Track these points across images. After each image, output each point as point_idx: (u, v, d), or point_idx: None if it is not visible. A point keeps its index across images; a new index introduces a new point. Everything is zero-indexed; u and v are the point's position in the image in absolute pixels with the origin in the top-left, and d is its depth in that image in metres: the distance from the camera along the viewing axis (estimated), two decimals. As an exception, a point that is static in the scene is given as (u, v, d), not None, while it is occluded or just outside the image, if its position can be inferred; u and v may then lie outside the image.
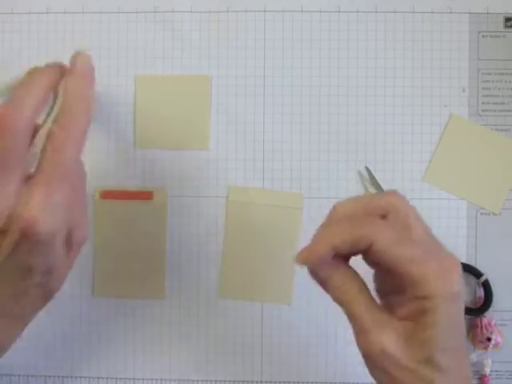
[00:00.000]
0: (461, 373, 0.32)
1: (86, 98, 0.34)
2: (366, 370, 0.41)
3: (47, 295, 0.37)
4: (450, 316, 0.31)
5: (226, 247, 0.46)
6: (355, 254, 0.32)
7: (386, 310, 0.32)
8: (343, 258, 0.33)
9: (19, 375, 0.47)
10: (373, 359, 0.32)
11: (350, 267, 0.33)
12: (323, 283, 0.33)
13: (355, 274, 0.33)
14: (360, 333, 0.32)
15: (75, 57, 0.35)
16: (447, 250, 0.33)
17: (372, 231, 0.31)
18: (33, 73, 0.34)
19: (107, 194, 0.46)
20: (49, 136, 0.33)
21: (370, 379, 0.46)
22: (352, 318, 0.32)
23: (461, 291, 0.31)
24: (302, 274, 0.46)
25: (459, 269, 0.31)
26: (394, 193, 0.34)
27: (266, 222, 0.46)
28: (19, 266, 0.34)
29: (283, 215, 0.46)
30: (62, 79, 0.34)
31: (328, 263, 0.32)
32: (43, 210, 0.32)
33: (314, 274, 0.33)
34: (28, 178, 0.33)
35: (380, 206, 0.33)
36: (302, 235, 0.46)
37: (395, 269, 0.31)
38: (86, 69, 0.35)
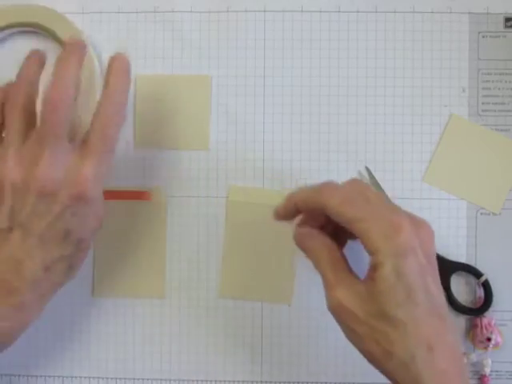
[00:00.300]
0: (420, 330, 0.33)
1: (126, 83, 0.39)
2: (366, 370, 0.41)
3: (69, 272, 0.39)
4: (399, 271, 0.33)
5: (226, 247, 0.46)
6: (319, 216, 0.38)
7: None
8: (324, 230, 0.38)
9: (19, 375, 0.47)
10: (334, 313, 0.35)
11: (325, 236, 0.37)
12: (305, 250, 0.38)
13: (330, 242, 0.37)
14: (325, 289, 0.36)
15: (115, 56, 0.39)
16: (401, 211, 0.36)
17: (324, 192, 0.36)
18: (67, 51, 0.38)
19: (107, 194, 0.46)
20: (96, 114, 0.38)
21: (370, 379, 0.46)
22: (321, 275, 0.36)
23: (412, 247, 0.33)
24: (303, 274, 0.46)
25: (407, 225, 0.34)
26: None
27: (266, 222, 0.46)
28: (59, 230, 0.37)
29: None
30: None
31: (309, 235, 0.38)
32: (94, 178, 0.37)
33: (300, 243, 0.38)
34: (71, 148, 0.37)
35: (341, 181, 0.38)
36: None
37: (349, 228, 0.35)
38: (124, 61, 0.39)
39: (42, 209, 0.36)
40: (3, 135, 0.38)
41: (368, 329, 0.34)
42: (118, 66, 0.38)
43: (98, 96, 0.45)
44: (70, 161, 0.37)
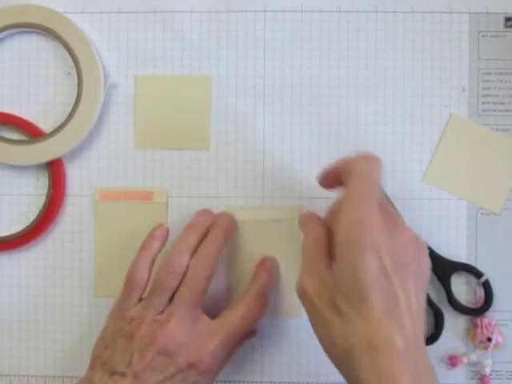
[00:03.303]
0: (364, 327, 0.33)
1: (218, 252, 0.43)
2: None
3: None
4: (350, 266, 0.33)
5: (229, 267, 0.46)
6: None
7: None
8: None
9: (19, 375, 0.47)
10: (299, 298, 0.37)
11: (321, 224, 0.39)
12: (303, 232, 0.40)
13: (321, 230, 0.38)
14: (299, 274, 0.37)
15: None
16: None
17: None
18: (218, 225, 0.44)
19: (107, 195, 0.46)
20: (184, 279, 0.41)
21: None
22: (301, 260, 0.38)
23: (376, 247, 0.33)
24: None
25: (369, 220, 0.34)
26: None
27: (267, 238, 0.46)
28: None
29: (282, 229, 0.46)
30: None
31: (308, 218, 0.40)
32: (215, 354, 0.40)
33: (299, 225, 0.41)
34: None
35: None
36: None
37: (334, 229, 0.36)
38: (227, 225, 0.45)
39: (158, 365, 0.38)
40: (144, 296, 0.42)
41: (320, 316, 0.35)
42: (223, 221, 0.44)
43: (100, 96, 0.45)
44: (198, 330, 0.40)
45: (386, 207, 0.39)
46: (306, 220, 0.40)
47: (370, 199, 0.35)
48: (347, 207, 0.35)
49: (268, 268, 0.45)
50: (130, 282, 0.42)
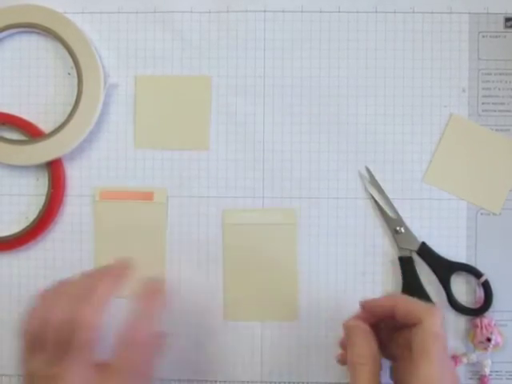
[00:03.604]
0: None
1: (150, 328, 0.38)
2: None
3: None
4: None
5: (227, 271, 0.46)
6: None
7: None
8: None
9: (19, 375, 0.47)
10: None
11: (374, 340, 0.38)
12: (350, 342, 0.38)
13: (376, 349, 0.37)
14: None
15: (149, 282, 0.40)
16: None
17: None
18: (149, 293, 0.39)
19: (107, 195, 0.46)
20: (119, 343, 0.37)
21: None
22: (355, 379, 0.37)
23: None
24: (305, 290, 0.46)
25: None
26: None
27: (264, 241, 0.46)
28: None
29: (279, 232, 0.46)
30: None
31: (361, 330, 0.38)
32: None
33: (348, 332, 0.39)
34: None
35: None
36: (299, 250, 0.46)
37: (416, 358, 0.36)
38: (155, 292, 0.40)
39: None
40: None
41: None
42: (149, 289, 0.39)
43: (100, 96, 0.45)
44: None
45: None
46: (357, 330, 0.39)
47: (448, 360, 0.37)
48: (426, 365, 0.35)
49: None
50: None
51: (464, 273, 0.45)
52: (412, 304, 0.38)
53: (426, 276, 0.45)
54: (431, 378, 0.35)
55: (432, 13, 0.46)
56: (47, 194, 0.46)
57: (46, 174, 0.46)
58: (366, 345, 0.37)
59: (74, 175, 0.47)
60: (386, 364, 0.41)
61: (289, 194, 0.46)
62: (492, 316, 0.45)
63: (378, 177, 0.46)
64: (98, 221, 0.47)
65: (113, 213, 0.46)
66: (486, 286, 0.45)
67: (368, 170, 0.46)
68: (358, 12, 0.46)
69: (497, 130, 0.46)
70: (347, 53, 0.46)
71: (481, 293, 0.45)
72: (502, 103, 0.46)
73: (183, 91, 0.47)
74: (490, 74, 0.46)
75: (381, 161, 0.46)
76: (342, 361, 0.41)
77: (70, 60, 0.45)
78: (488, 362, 0.45)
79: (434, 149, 0.46)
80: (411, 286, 0.45)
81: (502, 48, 0.46)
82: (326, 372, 0.46)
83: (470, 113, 0.46)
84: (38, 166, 0.47)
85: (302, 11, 0.46)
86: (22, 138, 0.47)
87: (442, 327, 0.37)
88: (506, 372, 0.46)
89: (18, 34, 0.47)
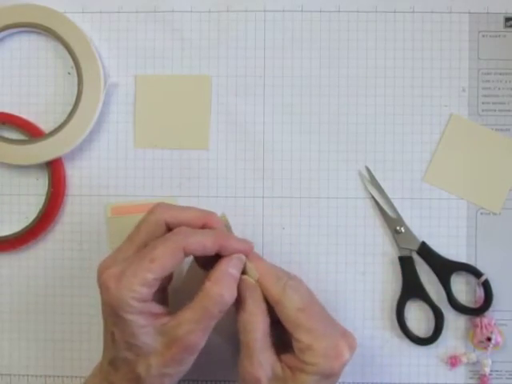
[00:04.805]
0: None
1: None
2: (365, 370, 0.41)
3: None
4: None
5: None
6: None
7: (275, 345, 0.38)
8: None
9: (19, 375, 0.47)
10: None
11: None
12: (242, 299, 0.38)
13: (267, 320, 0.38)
14: (245, 359, 0.37)
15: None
16: (342, 329, 0.38)
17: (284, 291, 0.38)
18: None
19: (119, 210, 0.46)
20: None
21: (369, 379, 0.46)
22: (245, 346, 0.38)
23: (339, 373, 0.37)
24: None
25: (348, 353, 0.37)
26: None
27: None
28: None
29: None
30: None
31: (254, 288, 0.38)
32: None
33: (241, 291, 0.38)
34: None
35: None
36: (299, 250, 0.46)
37: (292, 333, 0.37)
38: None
39: None
40: None
41: None
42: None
43: (100, 96, 0.45)
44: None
45: None
46: (252, 288, 0.39)
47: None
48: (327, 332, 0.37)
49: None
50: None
51: (464, 272, 0.45)
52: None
53: (426, 276, 0.45)
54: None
55: (432, 12, 0.46)
56: (47, 193, 0.46)
57: (46, 174, 0.46)
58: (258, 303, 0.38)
59: (74, 175, 0.47)
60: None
61: (289, 193, 0.46)
62: (492, 315, 0.45)
63: (377, 176, 0.46)
64: (112, 237, 0.46)
65: (125, 228, 0.45)
66: (486, 286, 0.45)
67: (368, 170, 0.46)
68: (358, 12, 0.46)
69: (497, 129, 0.46)
70: (347, 53, 0.46)
71: (481, 292, 0.45)
72: (502, 103, 0.46)
73: (183, 91, 0.47)
74: (489, 73, 0.46)
75: (381, 161, 0.46)
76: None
77: (70, 60, 0.45)
78: (488, 362, 0.45)
79: (433, 148, 0.46)
80: (411, 285, 0.45)
81: (501, 48, 0.46)
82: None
83: (469, 113, 0.46)
84: (38, 166, 0.47)
85: (301, 11, 0.47)
86: (22, 137, 0.47)
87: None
88: (506, 371, 0.46)
89: (17, 33, 0.47)
